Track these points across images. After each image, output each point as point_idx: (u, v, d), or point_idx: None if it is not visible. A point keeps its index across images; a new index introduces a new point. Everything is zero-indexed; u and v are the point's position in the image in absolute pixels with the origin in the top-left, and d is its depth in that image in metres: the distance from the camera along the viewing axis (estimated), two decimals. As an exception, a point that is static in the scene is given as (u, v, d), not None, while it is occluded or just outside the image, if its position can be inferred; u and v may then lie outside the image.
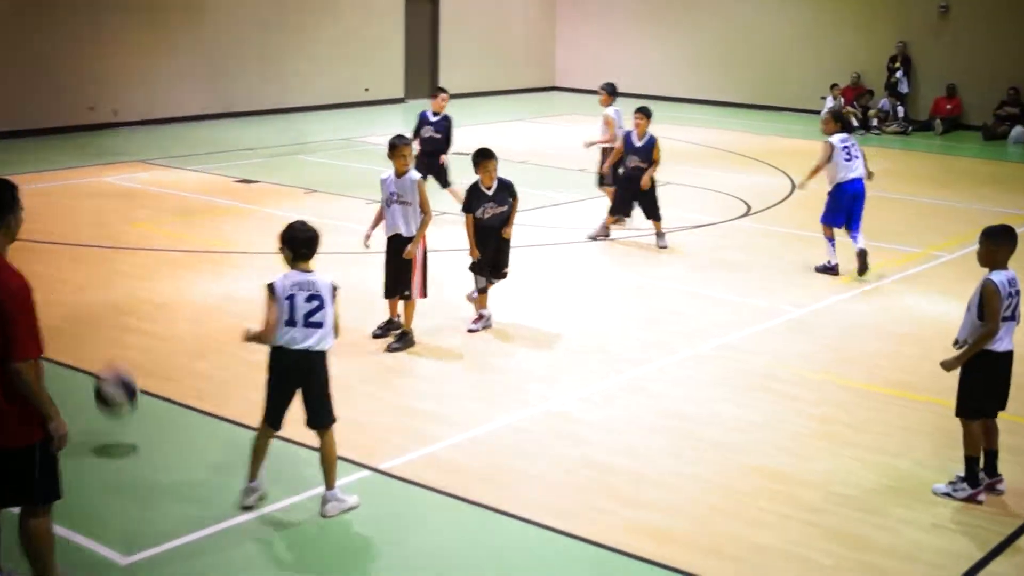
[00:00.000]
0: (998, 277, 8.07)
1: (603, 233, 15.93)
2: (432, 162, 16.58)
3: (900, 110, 28.11)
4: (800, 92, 30.35)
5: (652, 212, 15.67)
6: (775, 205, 18.52)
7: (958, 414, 8.30)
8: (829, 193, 14.41)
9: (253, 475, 7.88)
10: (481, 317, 11.89)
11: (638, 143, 15.55)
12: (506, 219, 11.71)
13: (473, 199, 11.59)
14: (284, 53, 27.63)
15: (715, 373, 10.77)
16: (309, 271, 7.68)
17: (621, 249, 15.53)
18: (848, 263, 14.47)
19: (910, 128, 27.86)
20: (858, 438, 9.32)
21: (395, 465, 8.54)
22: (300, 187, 18.80)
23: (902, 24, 28.96)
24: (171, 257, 14.43)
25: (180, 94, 25.88)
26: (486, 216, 11.60)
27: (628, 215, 16.13)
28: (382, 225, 11.32)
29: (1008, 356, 8.18)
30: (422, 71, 30.95)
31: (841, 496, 8.25)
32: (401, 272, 11.24)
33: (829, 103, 27.93)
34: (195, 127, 25.34)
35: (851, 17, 29.65)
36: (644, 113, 15.65)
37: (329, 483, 7.81)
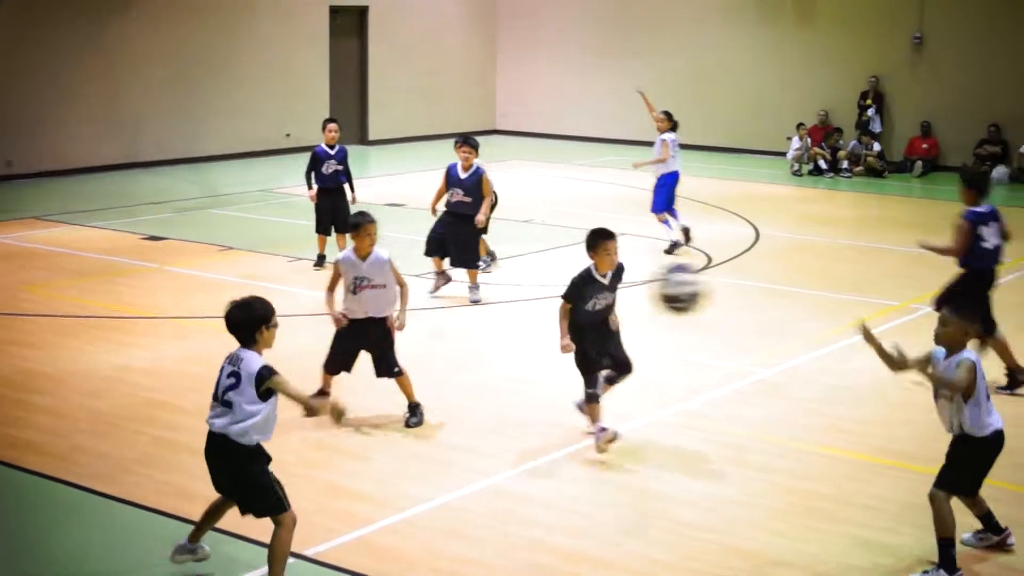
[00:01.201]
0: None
1: (443, 282, 15.73)
2: (338, 201, 17.00)
3: (876, 146, 28.22)
4: (766, 133, 30.49)
5: (467, 259, 15.45)
6: (738, 256, 18.49)
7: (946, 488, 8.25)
8: (660, 185, 18.64)
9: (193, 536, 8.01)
10: (604, 431, 10.35)
11: (463, 175, 15.37)
12: (611, 307, 10.60)
13: (584, 288, 10.37)
14: (196, 97, 27.45)
15: (680, 443, 10.60)
16: (249, 348, 7.79)
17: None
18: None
19: (886, 170, 28.00)
20: (846, 514, 9.18)
21: (322, 551, 8.32)
22: (213, 244, 18.56)
23: (874, 58, 29.19)
24: (68, 324, 14.14)
25: (81, 143, 25.61)
26: (597, 308, 10.45)
27: (443, 256, 15.66)
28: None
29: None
30: (350, 115, 30.77)
31: (825, 579, 8.10)
32: (384, 351, 11.01)
33: (795, 144, 28.11)
34: (97, 179, 25.07)
35: (819, 51, 29.87)
36: (470, 144, 15.48)
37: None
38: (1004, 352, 12.25)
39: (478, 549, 8.44)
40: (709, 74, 31.38)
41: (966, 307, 8.44)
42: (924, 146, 28.39)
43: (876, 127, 28.83)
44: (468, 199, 15.38)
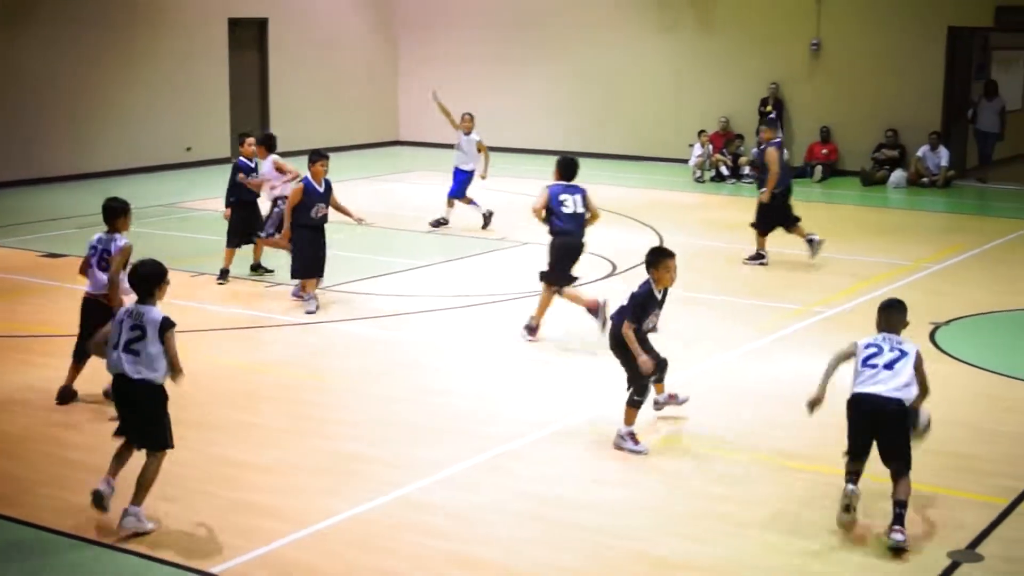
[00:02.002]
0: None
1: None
2: (252, 214, 17.25)
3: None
4: (668, 141, 30.71)
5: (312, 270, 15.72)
6: (642, 263, 18.52)
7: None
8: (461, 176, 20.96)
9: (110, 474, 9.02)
10: (673, 396, 11.56)
11: (321, 189, 15.52)
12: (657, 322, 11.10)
13: (648, 306, 10.82)
14: (92, 112, 27.08)
15: (588, 450, 10.68)
16: (147, 304, 9.01)
17: (476, 319, 15.47)
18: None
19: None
20: (755, 516, 9.29)
21: (229, 568, 8.27)
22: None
23: (773, 65, 29.53)
24: (-33, 343, 13.95)
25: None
26: (650, 326, 10.90)
27: (320, 274, 15.88)
28: None
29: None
30: (252, 127, 30.48)
31: (733, 581, 8.21)
32: None
33: (697, 151, 28.37)
34: (-6, 196, 24.79)
35: (719, 59, 30.16)
36: (321, 155, 15.69)
37: (137, 499, 8.78)
38: None
39: (390, 562, 8.43)
40: (609, 82, 31.53)
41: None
42: (823, 151, 28.78)
43: (776, 133, 29.17)
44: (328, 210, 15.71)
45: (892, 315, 9.43)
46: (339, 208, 15.74)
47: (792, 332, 14.73)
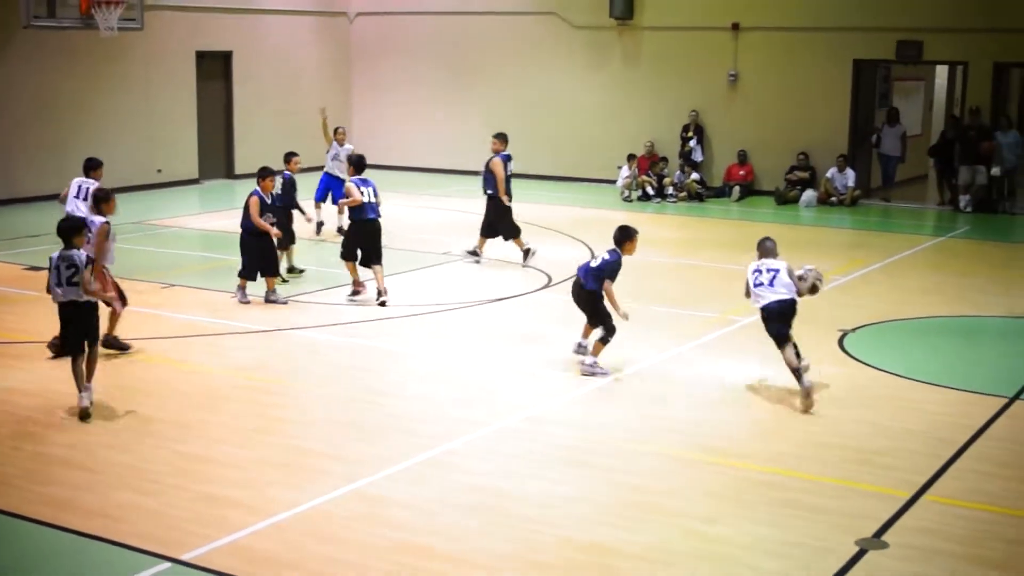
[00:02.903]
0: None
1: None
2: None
3: (695, 175, 28.75)
4: (597, 163, 30.83)
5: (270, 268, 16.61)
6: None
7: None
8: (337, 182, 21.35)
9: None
10: (600, 368, 13.06)
11: (269, 200, 16.57)
12: None
13: (619, 272, 12.96)
14: (64, 136, 26.80)
15: (525, 447, 10.76)
16: (72, 249, 11.46)
17: (424, 327, 15.54)
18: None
19: (706, 195, 28.55)
20: (673, 505, 9.40)
21: (197, 555, 8.30)
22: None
23: (694, 93, 29.71)
24: (-48, 350, 13.88)
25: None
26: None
27: (276, 273, 16.76)
28: None
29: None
30: (217, 151, 30.52)
31: (658, 564, 8.29)
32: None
33: (624, 173, 28.52)
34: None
35: (644, 88, 30.30)
36: (269, 172, 16.65)
37: (90, 379, 11.43)
38: None
39: (345, 550, 8.47)
40: (543, 108, 31.56)
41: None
42: (741, 173, 28.99)
43: (698, 156, 29.33)
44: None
45: (763, 246, 12.65)
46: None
47: (712, 339, 14.86)
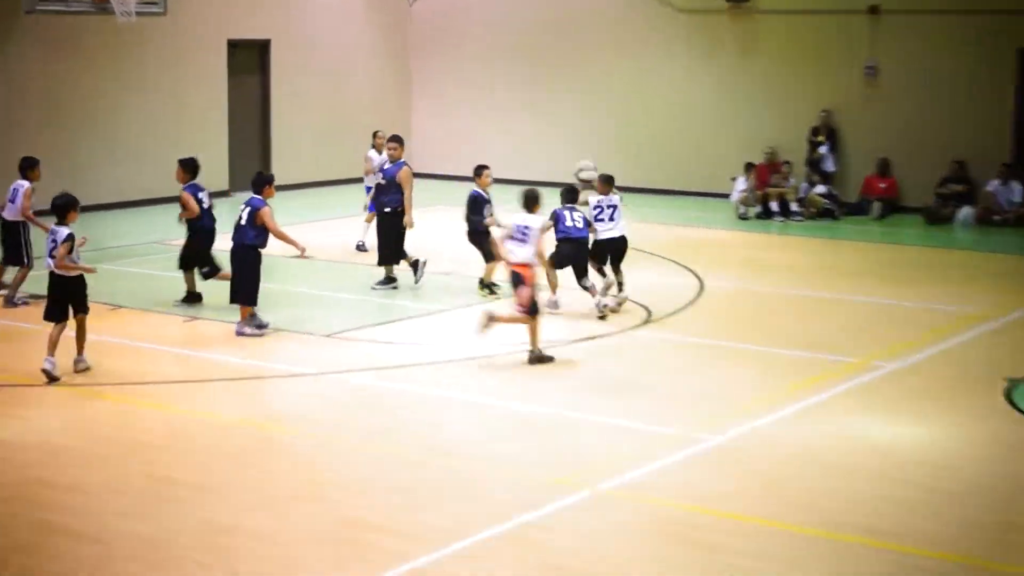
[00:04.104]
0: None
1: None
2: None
3: (821, 187, 28.42)
4: (708, 174, 30.65)
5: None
6: (681, 310, 18.57)
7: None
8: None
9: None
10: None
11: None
12: None
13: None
14: (77, 142, 27.12)
15: (620, 520, 10.59)
16: (60, 226, 14.57)
17: (494, 369, 15.45)
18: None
19: (839, 211, 28.25)
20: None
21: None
22: (101, 303, 18.20)
23: (824, 89, 29.47)
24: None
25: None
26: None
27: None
28: None
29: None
30: (250, 158, 30.58)
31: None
32: None
33: (740, 185, 28.30)
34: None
35: (764, 84, 30.13)
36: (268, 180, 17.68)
37: (80, 350, 14.66)
38: None
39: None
40: (643, 111, 31.53)
41: None
42: (882, 185, 28.65)
43: (829, 165, 29.03)
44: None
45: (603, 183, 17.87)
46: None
47: (849, 389, 14.61)
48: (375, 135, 23.62)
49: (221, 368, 15.23)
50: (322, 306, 18.54)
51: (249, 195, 17.07)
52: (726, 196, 29.15)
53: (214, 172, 29.81)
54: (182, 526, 10.26)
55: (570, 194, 18.27)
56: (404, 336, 16.82)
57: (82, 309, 14.64)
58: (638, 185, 30.86)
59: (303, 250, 16.91)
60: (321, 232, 23.80)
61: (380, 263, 19.70)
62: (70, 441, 12.09)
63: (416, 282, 19.55)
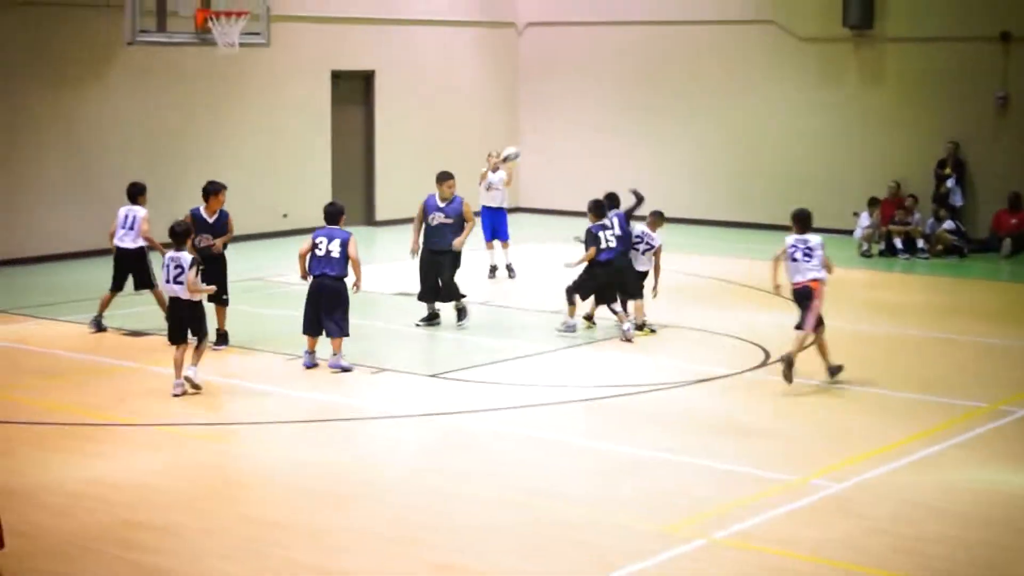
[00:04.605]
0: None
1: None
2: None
3: (949, 223, 28.04)
4: (829, 207, 30.19)
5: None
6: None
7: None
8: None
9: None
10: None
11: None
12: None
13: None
14: (176, 169, 27.31)
15: (737, 570, 10.51)
16: (180, 251, 15.61)
17: (601, 410, 15.43)
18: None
19: (967, 248, 27.92)
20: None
21: None
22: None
23: (952, 120, 29.13)
24: (32, 431, 14.20)
25: (47, 226, 25.83)
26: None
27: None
28: None
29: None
30: (355, 191, 30.77)
31: None
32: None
33: (864, 221, 28.04)
34: (69, 267, 25.21)
35: (889, 112, 29.86)
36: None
37: (195, 363, 15.72)
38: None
39: None
40: (761, 143, 31.40)
41: None
42: (1013, 221, 28.20)
43: (957, 200, 28.62)
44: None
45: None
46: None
47: (976, 436, 14.40)
48: (489, 156, 24.80)
49: (323, 407, 15.42)
50: (417, 343, 18.84)
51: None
52: (849, 232, 28.89)
53: (316, 206, 29.87)
54: (276, 568, 10.33)
55: (598, 209, 19.21)
56: (508, 377, 16.83)
57: (201, 333, 15.81)
58: (756, 220, 30.92)
59: (359, 287, 17.17)
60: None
61: (426, 298, 19.59)
62: (163, 481, 12.21)
63: (461, 325, 19.45)
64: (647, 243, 19.29)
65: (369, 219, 31.30)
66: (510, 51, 34.53)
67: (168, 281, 15.63)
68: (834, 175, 30.47)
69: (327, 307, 16.84)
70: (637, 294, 19.15)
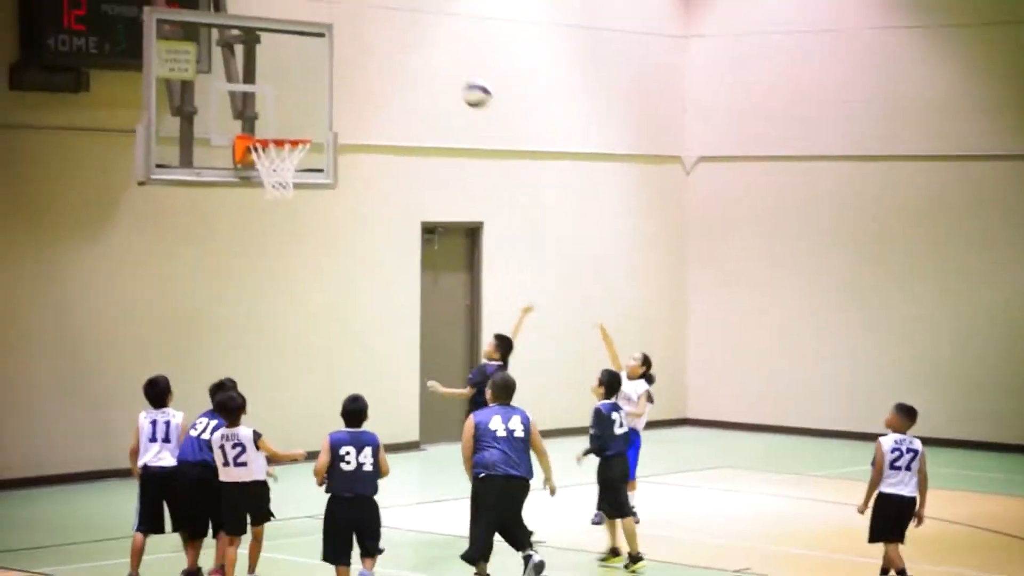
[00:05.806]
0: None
1: None
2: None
3: None
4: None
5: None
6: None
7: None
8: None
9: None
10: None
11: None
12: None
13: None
14: (203, 354, 26.54)
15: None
16: (236, 427, 17.47)
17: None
18: None
19: None
20: None
21: None
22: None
23: None
24: None
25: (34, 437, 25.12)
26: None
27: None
28: None
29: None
30: (449, 400, 29.64)
31: None
32: None
33: None
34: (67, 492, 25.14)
35: None
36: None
37: (252, 568, 17.52)
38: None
39: None
40: (989, 329, 30.86)
41: None
42: None
43: None
44: None
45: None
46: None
47: None
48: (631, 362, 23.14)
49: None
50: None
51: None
52: None
53: (399, 416, 29.05)
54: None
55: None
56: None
57: (263, 517, 17.81)
58: (997, 440, 30.94)
59: None
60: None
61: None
62: None
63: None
64: (910, 449, 18.50)
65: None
66: (674, 195, 33.92)
67: (227, 464, 17.30)
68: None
69: (368, 530, 17.59)
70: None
